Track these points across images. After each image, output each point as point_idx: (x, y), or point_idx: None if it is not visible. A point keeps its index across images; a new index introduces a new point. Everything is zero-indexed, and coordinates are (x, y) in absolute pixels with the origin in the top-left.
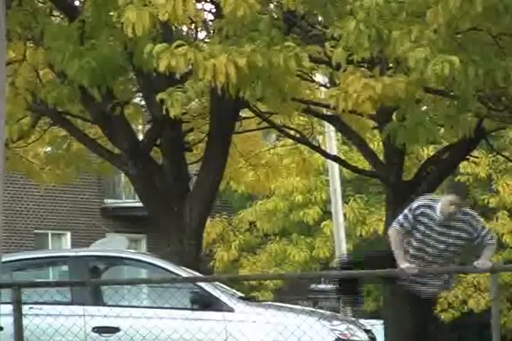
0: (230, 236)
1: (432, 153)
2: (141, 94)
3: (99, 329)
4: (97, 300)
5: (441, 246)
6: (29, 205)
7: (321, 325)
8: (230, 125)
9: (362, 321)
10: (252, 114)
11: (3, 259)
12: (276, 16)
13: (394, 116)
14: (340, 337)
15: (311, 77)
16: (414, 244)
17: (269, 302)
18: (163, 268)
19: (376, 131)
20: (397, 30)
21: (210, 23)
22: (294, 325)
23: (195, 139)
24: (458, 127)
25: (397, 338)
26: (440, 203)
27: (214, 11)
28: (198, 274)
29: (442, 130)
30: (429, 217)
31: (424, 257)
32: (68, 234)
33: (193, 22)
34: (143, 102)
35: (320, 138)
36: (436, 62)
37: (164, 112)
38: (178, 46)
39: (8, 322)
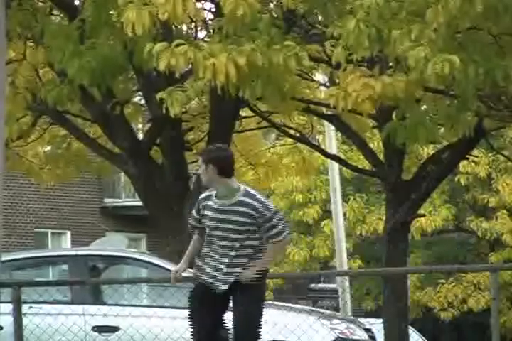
0: None
1: (431, 153)
2: (141, 94)
3: (99, 329)
4: (97, 299)
5: (223, 235)
6: (29, 204)
7: (321, 324)
8: (230, 124)
9: (361, 320)
10: (252, 113)
11: (3, 258)
12: (276, 15)
13: (394, 116)
14: (340, 336)
15: (310, 76)
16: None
17: (269, 302)
18: (163, 267)
19: (376, 131)
20: (397, 29)
21: (210, 22)
22: (294, 324)
23: (195, 138)
24: (458, 126)
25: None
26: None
27: (214, 10)
28: None
29: (442, 129)
30: (208, 207)
31: (211, 251)
32: (68, 233)
33: (192, 21)
34: (143, 101)
35: (320, 137)
36: (436, 62)
37: (164, 111)
38: (177, 45)
39: (8, 321)
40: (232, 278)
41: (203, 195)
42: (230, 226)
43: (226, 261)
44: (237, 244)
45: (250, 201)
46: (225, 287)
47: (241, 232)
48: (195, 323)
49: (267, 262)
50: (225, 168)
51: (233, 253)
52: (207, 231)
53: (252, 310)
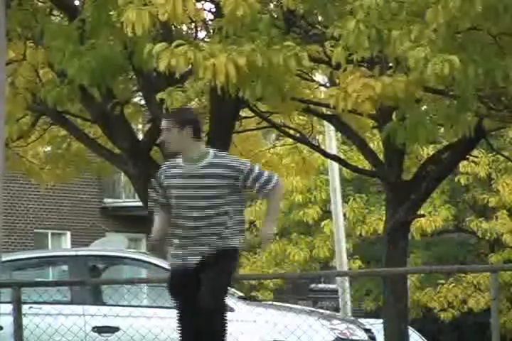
0: None
1: (431, 153)
2: (141, 94)
3: (99, 329)
4: (97, 299)
5: (194, 204)
6: (29, 205)
7: (321, 325)
8: (230, 124)
9: (361, 320)
10: (252, 114)
11: (3, 259)
12: (276, 16)
13: (394, 116)
14: (339, 336)
15: (310, 76)
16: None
17: (269, 302)
18: (162, 267)
19: (376, 131)
20: (396, 29)
21: (210, 22)
22: (294, 325)
23: None
24: (458, 127)
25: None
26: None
27: (214, 10)
28: None
29: (442, 129)
30: (174, 175)
31: (181, 229)
32: (68, 234)
33: (192, 21)
34: (143, 102)
35: (320, 137)
36: (436, 62)
37: (164, 112)
38: (177, 46)
39: (7, 321)
40: (205, 248)
41: (164, 165)
42: (202, 192)
43: (199, 232)
44: (211, 212)
45: (222, 161)
46: (196, 259)
47: (215, 197)
48: (180, 312)
49: (275, 213)
50: (200, 129)
51: (206, 222)
52: (174, 203)
53: (220, 280)
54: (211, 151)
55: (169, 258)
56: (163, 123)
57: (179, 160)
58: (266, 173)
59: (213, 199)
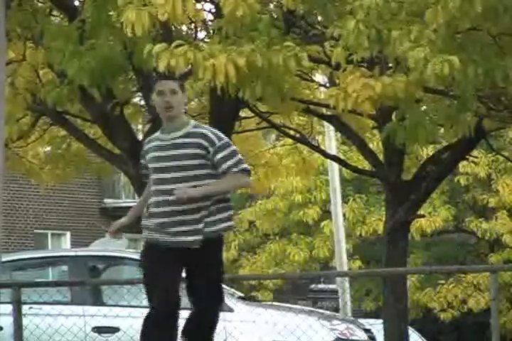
0: (230, 236)
1: (431, 153)
2: (140, 94)
3: (99, 329)
4: (97, 300)
5: (171, 176)
6: (29, 205)
7: (321, 325)
8: (230, 125)
9: (361, 320)
10: (252, 114)
11: (3, 259)
12: (275, 16)
13: (393, 116)
14: (339, 336)
15: (310, 76)
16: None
17: (269, 302)
18: None
19: (376, 131)
20: (396, 30)
21: (210, 22)
22: (294, 325)
23: None
24: (457, 127)
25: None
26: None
27: (213, 10)
28: None
29: (442, 130)
30: (153, 148)
31: (159, 203)
32: (68, 234)
33: (192, 22)
34: (143, 102)
35: (319, 137)
36: (436, 62)
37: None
38: (177, 46)
39: (7, 321)
40: (185, 230)
41: (147, 140)
42: (177, 162)
43: (177, 208)
44: (187, 185)
45: (200, 130)
46: (175, 239)
47: (191, 168)
48: (157, 285)
49: (216, 188)
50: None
51: (180, 208)
52: (153, 177)
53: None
54: (193, 121)
55: (145, 230)
56: (169, 84)
57: (157, 134)
58: (238, 157)
59: (190, 170)
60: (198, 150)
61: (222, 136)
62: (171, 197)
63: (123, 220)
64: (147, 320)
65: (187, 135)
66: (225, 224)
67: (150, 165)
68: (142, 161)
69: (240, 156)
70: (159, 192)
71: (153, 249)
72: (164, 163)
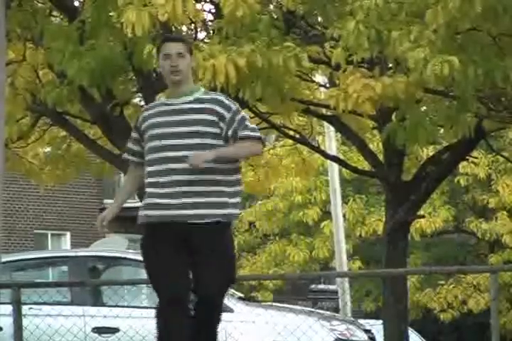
0: None
1: (431, 154)
2: (140, 94)
3: (99, 330)
4: (97, 300)
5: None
6: (29, 205)
7: (321, 325)
8: None
9: (361, 321)
10: (252, 114)
11: (3, 259)
12: (275, 17)
13: (394, 117)
14: (339, 337)
15: (310, 77)
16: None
17: (269, 303)
18: None
19: (376, 132)
20: (396, 30)
21: (210, 23)
22: (294, 325)
23: None
24: (457, 127)
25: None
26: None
27: (214, 11)
28: None
29: (442, 130)
30: (156, 114)
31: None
32: (68, 235)
33: (192, 22)
34: (143, 102)
35: (319, 138)
36: (436, 63)
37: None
38: None
39: (7, 322)
40: (190, 202)
41: (144, 108)
42: (190, 128)
43: (182, 186)
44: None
45: (214, 96)
46: (179, 212)
47: (208, 135)
48: (159, 281)
49: (231, 152)
50: None
51: (192, 177)
52: (153, 144)
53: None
54: (201, 87)
55: (143, 211)
56: (175, 47)
57: (163, 99)
58: (254, 125)
59: (206, 139)
60: (214, 117)
61: (234, 102)
62: (182, 165)
63: (110, 212)
64: (157, 312)
65: (200, 100)
66: (235, 210)
67: (150, 133)
68: (134, 134)
69: (253, 126)
70: (163, 160)
71: (153, 238)
72: (172, 128)
